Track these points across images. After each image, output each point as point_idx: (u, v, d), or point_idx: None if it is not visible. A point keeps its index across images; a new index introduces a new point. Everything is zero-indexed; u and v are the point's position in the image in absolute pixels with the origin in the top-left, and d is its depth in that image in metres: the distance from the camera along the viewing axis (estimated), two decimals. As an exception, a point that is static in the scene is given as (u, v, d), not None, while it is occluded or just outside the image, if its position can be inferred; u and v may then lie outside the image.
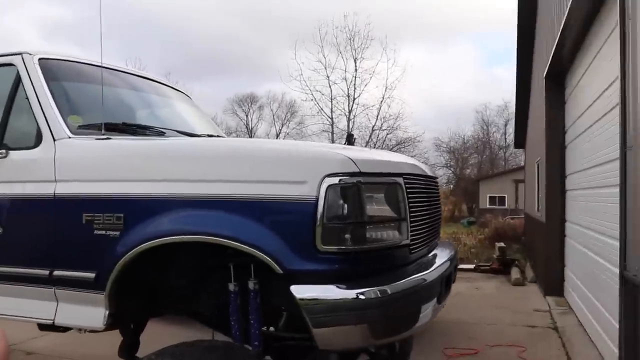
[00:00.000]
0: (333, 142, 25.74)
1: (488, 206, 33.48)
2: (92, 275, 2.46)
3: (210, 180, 2.32)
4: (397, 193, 2.37)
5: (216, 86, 61.02)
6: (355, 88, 27.20)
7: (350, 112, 27.46)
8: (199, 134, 3.50)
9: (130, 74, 3.70)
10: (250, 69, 60.87)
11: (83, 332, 2.61)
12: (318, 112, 27.77)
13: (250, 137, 40.61)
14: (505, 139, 45.37)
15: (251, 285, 2.37)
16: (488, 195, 35.27)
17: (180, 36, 55.76)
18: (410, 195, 2.48)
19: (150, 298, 2.72)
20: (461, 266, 10.95)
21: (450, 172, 45.65)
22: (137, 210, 2.41)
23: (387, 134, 28.76)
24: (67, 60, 3.16)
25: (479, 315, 6.61)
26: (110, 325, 2.49)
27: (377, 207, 2.30)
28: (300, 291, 2.11)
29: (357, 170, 2.19)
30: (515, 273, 9.44)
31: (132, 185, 2.45)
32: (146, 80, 3.86)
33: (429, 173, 3.10)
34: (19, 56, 2.92)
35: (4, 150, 2.77)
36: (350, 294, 2.10)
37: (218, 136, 3.75)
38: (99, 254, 2.44)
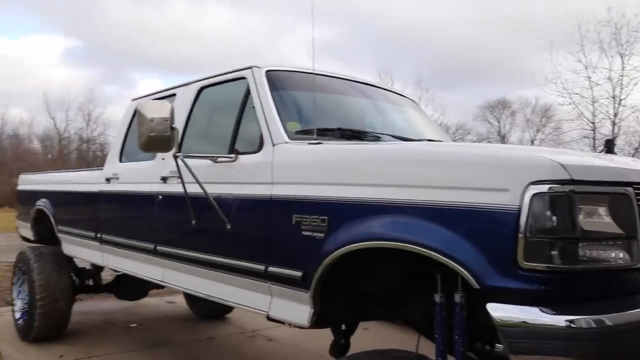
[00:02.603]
0: (594, 148, 23.22)
1: None
2: (299, 274, 2.57)
3: (406, 185, 2.25)
4: (623, 205, 1.98)
5: (466, 94, 60.12)
6: (622, 88, 24.13)
7: (615, 115, 24.48)
8: (416, 138, 3.45)
9: (353, 82, 3.81)
10: (502, 75, 58.27)
11: (292, 327, 2.74)
12: (577, 117, 25.27)
13: (503, 143, 39.07)
14: None
15: (457, 298, 2.21)
16: None
17: (432, 47, 56.26)
18: None
19: (358, 301, 2.75)
20: None
21: None
22: (339, 213, 2.45)
23: (664, 139, 24.82)
24: (292, 71, 3.40)
25: None
26: (315, 324, 2.57)
27: (597, 222, 1.96)
28: (498, 310, 1.91)
29: (568, 177, 1.89)
30: None
31: (336, 188, 2.50)
32: (370, 86, 3.96)
33: None
34: (250, 70, 3.23)
35: (233, 155, 3.07)
36: (558, 320, 1.83)
37: (439, 140, 3.63)
38: (305, 254, 2.54)
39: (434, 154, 2.43)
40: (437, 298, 2.28)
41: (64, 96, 61.10)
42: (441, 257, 2.05)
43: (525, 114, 43.00)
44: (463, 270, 2.00)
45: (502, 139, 42.50)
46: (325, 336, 2.87)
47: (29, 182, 6.60)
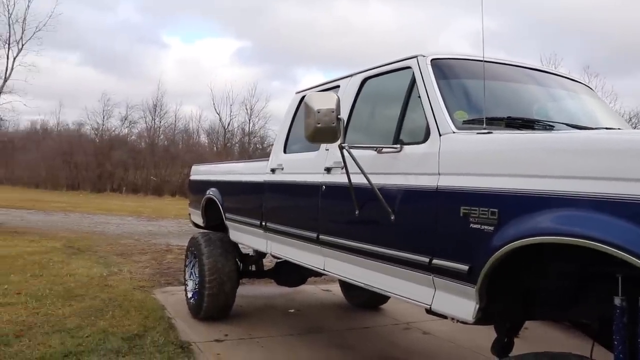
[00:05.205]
0: None
1: None
2: (465, 267, 2.48)
3: (588, 177, 2.07)
4: None
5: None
6: None
7: None
8: (593, 127, 3.19)
9: (524, 68, 3.61)
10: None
11: (455, 321, 2.67)
12: None
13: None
14: None
15: None
16: None
17: (603, 28, 51.13)
18: None
19: (525, 299, 2.60)
20: None
21: None
22: (512, 206, 2.31)
23: None
24: (458, 59, 3.29)
25: None
26: (479, 320, 2.47)
27: None
28: None
29: None
30: None
31: (507, 180, 2.37)
32: (542, 72, 3.73)
33: None
34: (414, 59, 3.19)
35: (398, 145, 3.05)
36: None
37: (619, 129, 3.32)
38: (473, 248, 2.45)
39: (619, 142, 2.20)
40: (618, 301, 2.07)
41: (229, 92, 66.06)
42: (628, 255, 1.85)
43: None
44: None
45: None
46: (482, 333, 2.77)
47: (200, 172, 7.13)
